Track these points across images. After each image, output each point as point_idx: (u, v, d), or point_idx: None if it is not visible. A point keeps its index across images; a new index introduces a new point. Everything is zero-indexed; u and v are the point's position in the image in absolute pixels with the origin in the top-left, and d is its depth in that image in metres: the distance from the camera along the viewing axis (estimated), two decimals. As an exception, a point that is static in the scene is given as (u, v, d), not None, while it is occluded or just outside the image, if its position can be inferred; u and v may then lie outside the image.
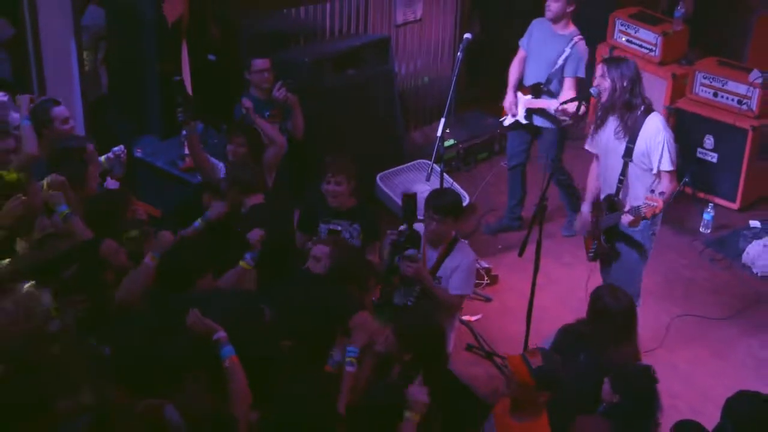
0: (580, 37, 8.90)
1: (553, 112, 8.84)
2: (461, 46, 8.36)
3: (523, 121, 9.10)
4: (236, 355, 5.36)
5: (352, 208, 7.50)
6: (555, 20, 8.90)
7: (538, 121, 9.04)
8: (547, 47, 8.95)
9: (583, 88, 8.69)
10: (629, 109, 7.11)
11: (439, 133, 8.26)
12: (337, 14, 10.08)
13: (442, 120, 8.24)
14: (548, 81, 8.95)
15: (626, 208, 7.02)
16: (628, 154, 7.16)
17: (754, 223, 9.80)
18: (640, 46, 10.44)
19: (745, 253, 9.35)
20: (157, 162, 9.17)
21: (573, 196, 9.29)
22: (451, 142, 10.16)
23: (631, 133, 7.12)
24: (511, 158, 9.53)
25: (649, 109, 7.16)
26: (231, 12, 9.64)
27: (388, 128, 10.13)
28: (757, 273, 9.19)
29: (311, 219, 7.63)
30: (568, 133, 9.19)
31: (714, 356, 8.02)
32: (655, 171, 7.08)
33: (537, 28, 9.12)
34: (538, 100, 8.99)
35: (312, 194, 7.91)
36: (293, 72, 9.00)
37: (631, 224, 6.97)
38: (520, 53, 9.21)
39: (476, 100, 11.36)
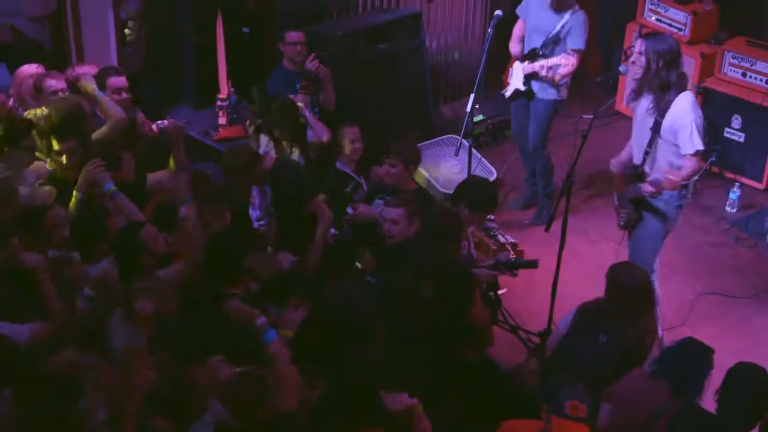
0: (578, 6, 8.80)
1: (544, 73, 8.76)
2: (492, 22, 8.31)
3: (522, 88, 8.99)
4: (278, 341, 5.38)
5: (408, 191, 7.56)
6: (557, 9, 8.75)
7: (535, 86, 8.93)
8: (544, 17, 8.81)
9: (582, 60, 8.75)
10: (663, 88, 7.04)
11: (468, 109, 8.24)
12: (370, -12, 10.04)
13: (472, 96, 8.21)
14: (544, 45, 8.83)
15: (649, 179, 7.05)
16: (656, 128, 7.11)
17: (780, 203, 9.71)
18: (670, 25, 10.33)
19: (770, 232, 9.27)
20: (191, 132, 9.14)
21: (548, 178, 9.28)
22: (480, 117, 10.12)
23: (662, 110, 7.05)
24: (515, 130, 9.49)
25: (682, 87, 7.08)
26: (266, -15, 9.61)
27: (418, 102, 10.08)
28: (781, 252, 9.10)
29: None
30: (560, 110, 9.19)
31: (736, 335, 7.98)
32: (686, 152, 7.02)
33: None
34: (533, 64, 8.87)
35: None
36: (326, 45, 8.96)
37: (652, 195, 7.05)
38: (519, 23, 9.06)
39: (506, 77, 11.26)
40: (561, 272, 7.33)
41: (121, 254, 5.99)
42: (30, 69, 7.82)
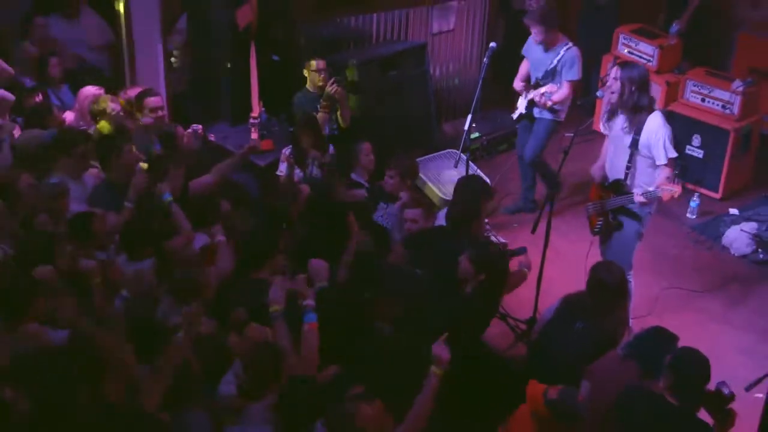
0: (571, 44, 8.91)
1: (538, 99, 8.88)
2: (487, 53, 8.40)
3: (524, 111, 9.10)
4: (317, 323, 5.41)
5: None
6: (543, 43, 8.88)
7: (536, 112, 9.02)
8: (543, 55, 8.94)
9: (578, 89, 8.86)
10: (636, 110, 7.10)
11: (466, 127, 8.30)
12: (382, 23, 10.07)
13: (470, 116, 8.27)
14: (544, 77, 8.94)
15: (640, 191, 7.08)
16: (634, 145, 7.17)
17: (733, 211, 9.74)
18: (640, 56, 10.37)
19: (724, 236, 9.31)
20: (227, 145, 9.19)
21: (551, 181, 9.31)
22: (476, 134, 10.13)
23: (637, 128, 7.11)
24: (519, 149, 9.51)
25: (651, 109, 7.14)
26: (293, 19, 9.65)
27: (423, 121, 10.11)
28: (734, 254, 9.15)
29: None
30: (558, 129, 9.23)
31: (696, 324, 8.01)
32: (661, 162, 7.07)
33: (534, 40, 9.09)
34: (533, 92, 9.00)
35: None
36: (343, 72, 9.06)
37: (643, 204, 7.11)
38: (524, 62, 9.21)
39: (499, 100, 11.29)
40: (545, 268, 7.40)
41: (162, 257, 6.08)
42: (91, 90, 7.89)
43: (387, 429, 4.82)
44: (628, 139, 7.19)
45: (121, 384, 4.76)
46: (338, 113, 8.70)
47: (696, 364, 5.39)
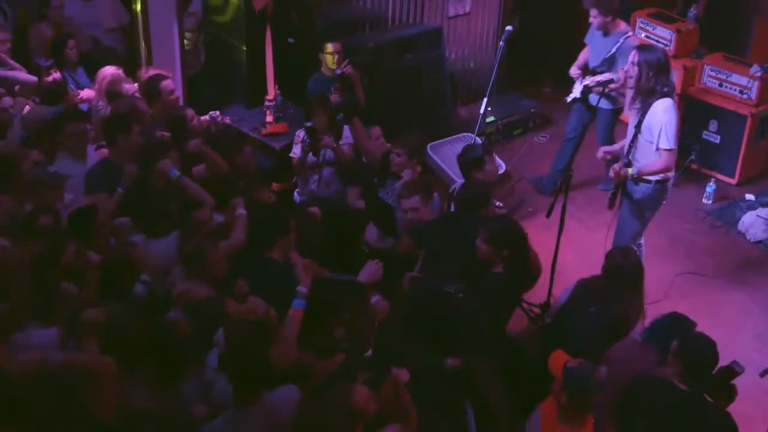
0: (632, 33, 8.94)
1: (592, 86, 8.86)
2: (503, 36, 8.36)
3: (578, 95, 9.08)
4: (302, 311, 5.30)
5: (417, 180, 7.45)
6: (600, 28, 8.89)
7: (593, 99, 8.95)
8: (603, 41, 8.95)
9: None
10: (651, 94, 7.07)
11: (481, 111, 8.26)
12: (398, 6, 10.05)
13: (485, 99, 8.23)
14: (600, 65, 8.96)
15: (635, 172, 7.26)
16: (638, 126, 7.18)
17: (749, 196, 9.70)
18: (657, 41, 10.29)
19: (740, 221, 9.28)
20: (243, 128, 9.19)
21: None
22: (491, 118, 10.12)
23: (644, 111, 7.12)
24: (567, 132, 9.50)
25: (665, 95, 7.09)
26: (308, 2, 9.63)
27: (438, 105, 10.09)
28: (750, 239, 9.12)
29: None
30: (618, 115, 9.19)
31: (710, 309, 7.97)
32: (654, 149, 7.05)
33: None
34: (590, 78, 9.02)
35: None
36: (359, 54, 9.05)
37: (632, 178, 7.30)
38: (585, 50, 9.27)
39: (515, 84, 11.30)
40: (559, 253, 7.38)
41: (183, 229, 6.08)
42: (110, 70, 7.90)
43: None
44: (635, 120, 7.24)
45: (110, 400, 4.55)
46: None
47: (703, 349, 5.36)
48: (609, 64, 8.87)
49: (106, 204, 6.22)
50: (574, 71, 9.24)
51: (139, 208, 6.37)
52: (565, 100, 9.38)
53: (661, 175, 7.31)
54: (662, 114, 7.08)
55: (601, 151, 7.78)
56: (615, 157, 7.56)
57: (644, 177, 7.26)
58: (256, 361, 4.71)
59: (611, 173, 7.36)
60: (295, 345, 5.17)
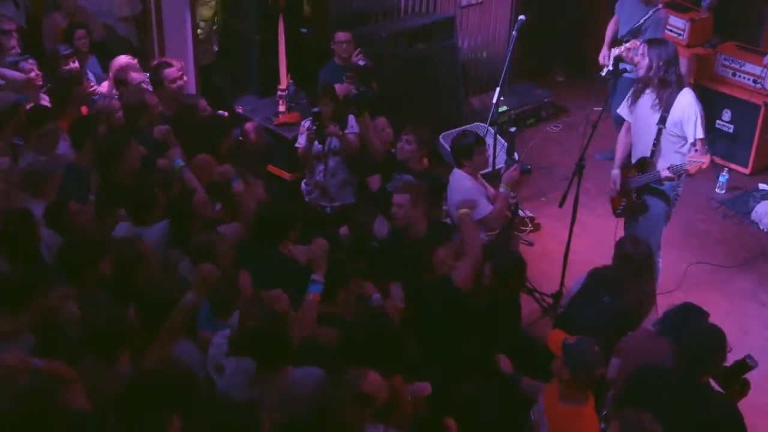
0: (662, 6, 9.02)
1: (625, 54, 8.87)
2: (516, 26, 8.31)
3: (611, 68, 8.95)
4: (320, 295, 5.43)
5: (420, 170, 7.37)
6: (647, 2, 8.99)
7: (627, 68, 8.88)
8: (634, 12, 9.02)
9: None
10: (664, 85, 6.99)
11: (494, 101, 8.23)
12: (411, -4, 10.03)
13: (497, 89, 8.20)
14: (628, 34, 9.05)
15: (666, 166, 6.94)
16: (662, 122, 7.05)
17: (763, 186, 9.67)
18: (671, 30, 10.24)
19: (753, 211, 9.25)
20: (255, 117, 9.17)
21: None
22: (504, 108, 10.06)
23: (666, 105, 6.99)
24: (612, 111, 9.25)
25: (681, 85, 7.03)
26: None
27: (451, 94, 10.06)
28: (763, 229, 9.10)
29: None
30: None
31: (723, 298, 7.98)
32: (691, 140, 6.96)
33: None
34: (618, 48, 9.09)
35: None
36: (372, 44, 9.06)
37: (668, 179, 6.97)
38: (614, 17, 9.41)
39: (527, 73, 11.27)
40: (572, 242, 7.36)
41: (176, 218, 6.08)
42: (123, 59, 7.90)
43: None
44: (656, 117, 7.07)
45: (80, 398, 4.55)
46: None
47: (704, 338, 5.30)
48: (635, 34, 8.92)
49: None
50: (603, 54, 9.37)
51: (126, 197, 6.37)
52: (600, 75, 9.23)
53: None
54: (693, 104, 6.96)
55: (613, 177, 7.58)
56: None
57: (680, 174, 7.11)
58: (277, 342, 4.81)
59: (645, 181, 7.18)
60: (314, 325, 5.35)
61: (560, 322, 6.63)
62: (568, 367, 5.13)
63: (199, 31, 9.55)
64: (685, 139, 6.99)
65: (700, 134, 6.95)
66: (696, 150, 6.95)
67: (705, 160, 6.81)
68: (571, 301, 6.54)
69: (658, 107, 7.04)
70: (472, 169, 7.18)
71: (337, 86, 8.19)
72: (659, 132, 7.09)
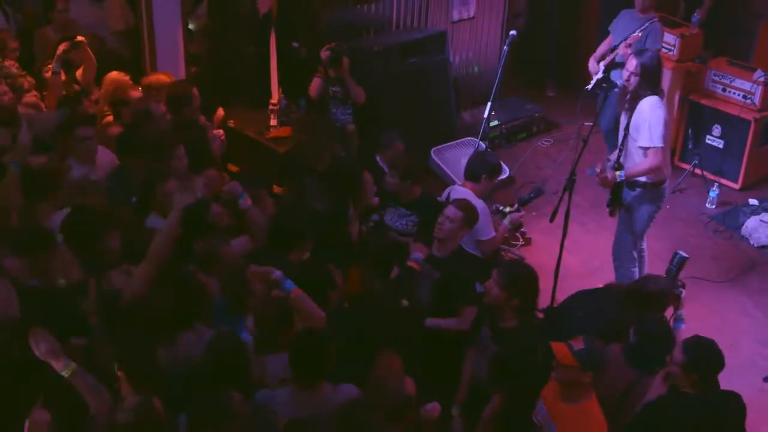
0: (657, 19, 9.06)
1: (622, 52, 8.88)
2: (507, 41, 8.33)
3: (600, 75, 9.02)
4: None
5: (413, 200, 7.15)
6: (642, 10, 9.01)
7: (614, 75, 8.92)
8: (628, 24, 9.04)
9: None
10: (636, 94, 7.07)
11: (485, 115, 8.27)
12: (402, 10, 10.02)
13: (489, 104, 8.22)
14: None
15: (622, 174, 7.17)
16: (626, 127, 7.17)
17: (753, 201, 9.68)
18: (661, 45, 10.27)
19: (744, 226, 9.25)
20: (247, 132, 9.17)
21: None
22: (495, 122, 10.09)
23: (632, 110, 7.08)
24: (602, 124, 9.39)
25: (654, 93, 7.05)
26: (313, 6, 9.62)
27: (442, 109, 10.08)
28: (753, 244, 9.09)
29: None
30: None
31: (713, 313, 7.98)
32: (639, 144, 7.02)
33: (624, 15, 9.25)
34: (611, 54, 9.11)
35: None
36: (364, 59, 9.05)
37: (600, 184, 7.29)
38: (607, 39, 9.36)
39: (518, 88, 11.29)
40: (563, 257, 7.35)
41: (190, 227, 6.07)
42: (114, 76, 7.89)
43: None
44: (625, 123, 7.21)
45: None
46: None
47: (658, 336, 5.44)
48: (635, 44, 8.90)
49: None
50: (592, 64, 9.28)
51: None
52: (586, 89, 9.29)
53: (653, 176, 7.23)
54: (648, 111, 7.01)
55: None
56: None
57: (634, 179, 7.18)
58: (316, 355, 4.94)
59: (597, 179, 7.29)
60: (318, 310, 5.40)
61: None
62: (587, 371, 5.09)
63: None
64: None
65: (645, 142, 6.99)
66: (649, 158, 7.03)
67: (633, 169, 7.07)
68: (549, 310, 6.62)
69: (626, 114, 7.19)
70: (482, 190, 7.12)
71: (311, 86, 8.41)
72: (625, 136, 7.19)
